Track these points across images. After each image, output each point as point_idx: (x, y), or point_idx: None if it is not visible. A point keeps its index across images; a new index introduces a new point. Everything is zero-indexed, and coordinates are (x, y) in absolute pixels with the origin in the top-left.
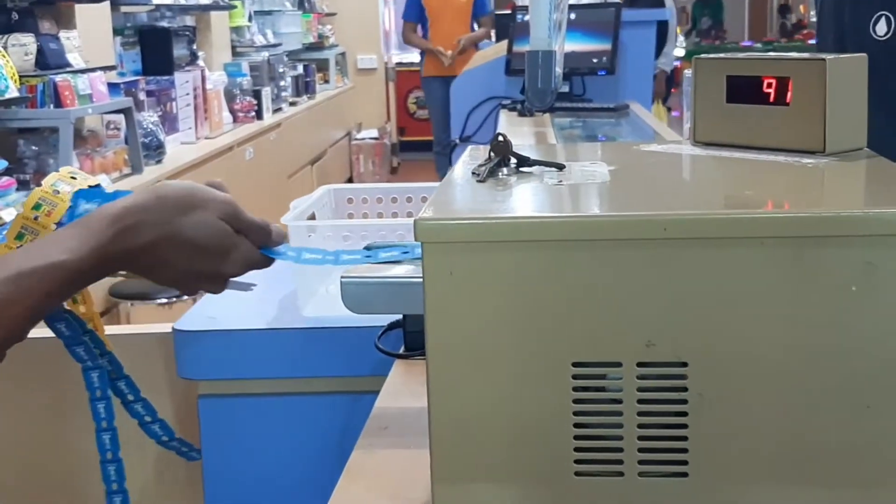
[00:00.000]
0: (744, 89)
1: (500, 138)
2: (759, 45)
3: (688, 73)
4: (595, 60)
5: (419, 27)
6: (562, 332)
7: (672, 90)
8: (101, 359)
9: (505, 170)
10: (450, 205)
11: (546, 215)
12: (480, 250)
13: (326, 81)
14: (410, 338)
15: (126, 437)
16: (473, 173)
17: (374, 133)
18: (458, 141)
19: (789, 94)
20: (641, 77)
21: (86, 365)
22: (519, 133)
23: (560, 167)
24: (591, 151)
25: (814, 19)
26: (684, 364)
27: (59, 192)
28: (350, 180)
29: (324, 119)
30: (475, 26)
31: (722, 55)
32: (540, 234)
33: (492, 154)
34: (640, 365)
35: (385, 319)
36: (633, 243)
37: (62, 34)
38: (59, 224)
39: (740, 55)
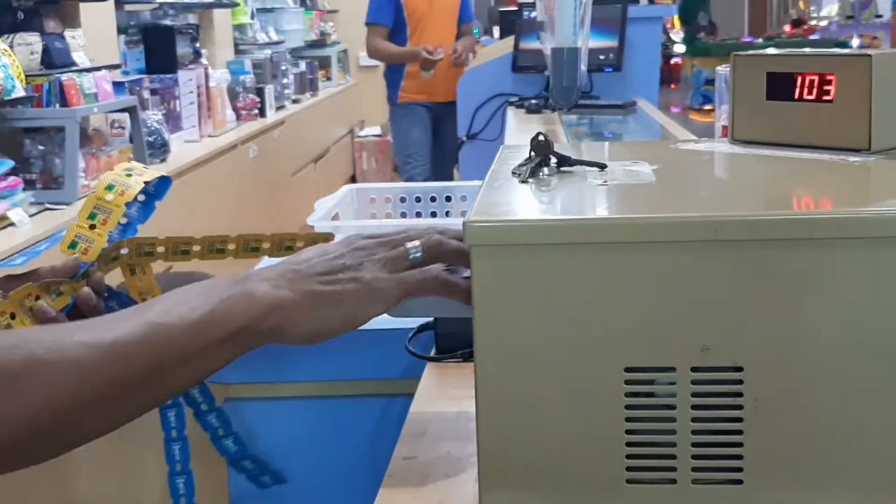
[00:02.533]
0: (785, 86)
1: (541, 138)
2: (759, 40)
3: (720, 69)
4: (602, 57)
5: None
6: (614, 337)
7: (672, 86)
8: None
9: (546, 169)
10: (497, 206)
11: (599, 217)
12: (532, 253)
13: (329, 79)
14: (442, 340)
15: (148, 438)
16: (514, 173)
17: (377, 130)
18: (465, 138)
19: (832, 91)
20: (648, 73)
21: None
22: (527, 130)
23: (602, 167)
24: (628, 150)
25: (815, 14)
26: (740, 369)
27: (130, 175)
28: (353, 178)
29: (327, 116)
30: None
31: (761, 52)
32: (593, 236)
33: (532, 153)
34: (694, 370)
35: (416, 321)
36: (686, 245)
37: (67, 33)
38: (131, 203)
39: (782, 51)
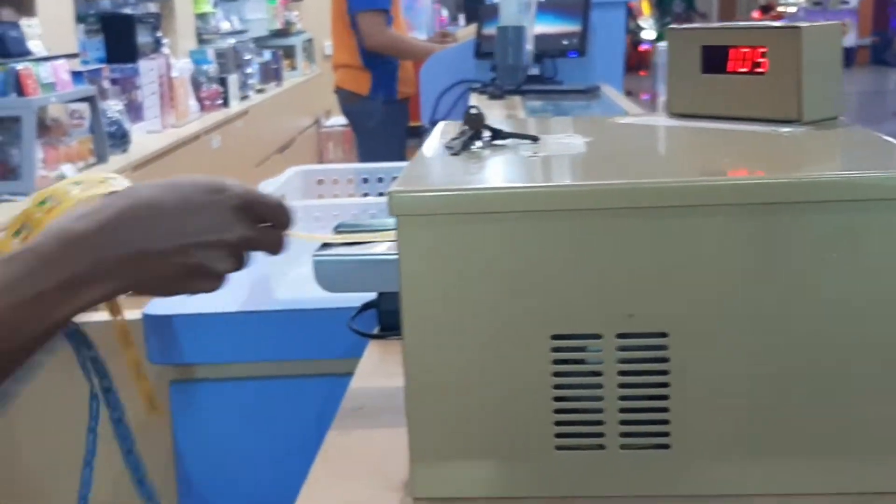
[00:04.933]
0: (719, 59)
1: (474, 111)
2: None
3: (662, 45)
4: (565, 42)
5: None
6: (540, 305)
7: (641, 72)
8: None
9: (479, 143)
10: (424, 178)
11: (523, 185)
12: (456, 222)
13: (294, 68)
14: (385, 317)
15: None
16: (447, 147)
17: (343, 120)
18: (428, 125)
19: (765, 64)
20: (613, 58)
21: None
22: (490, 116)
23: (535, 139)
24: (566, 124)
25: (784, 1)
26: (664, 334)
27: (69, 194)
28: None
29: (292, 106)
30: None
31: (696, 25)
32: (517, 204)
33: (465, 127)
34: (619, 336)
35: (359, 300)
36: (611, 212)
37: (23, 22)
38: None
39: (716, 25)
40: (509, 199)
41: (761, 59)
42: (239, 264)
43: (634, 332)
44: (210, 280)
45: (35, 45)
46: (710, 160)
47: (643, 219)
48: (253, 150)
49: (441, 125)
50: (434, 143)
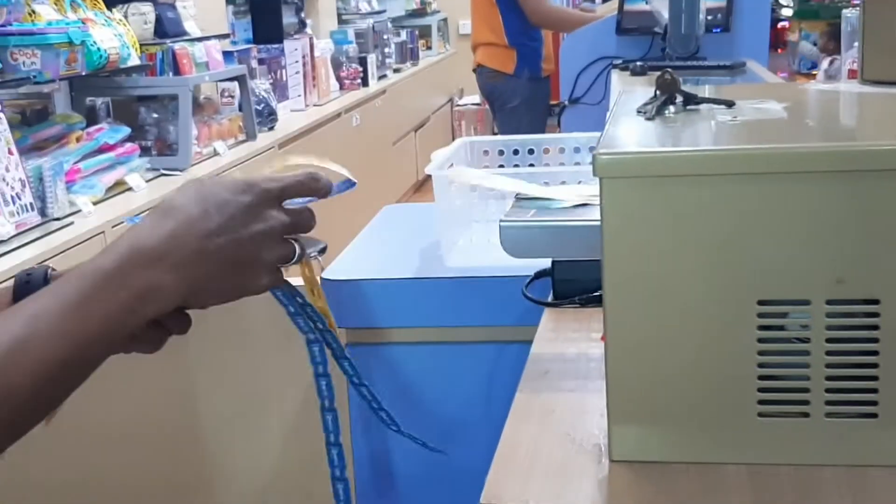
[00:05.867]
0: None
1: (667, 76)
2: None
3: (846, 13)
4: (710, 17)
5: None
6: (747, 270)
7: (779, 50)
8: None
9: (672, 108)
10: (625, 140)
11: (732, 148)
12: (662, 184)
13: (429, 48)
14: (560, 286)
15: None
16: (639, 111)
17: (476, 99)
18: (567, 102)
19: None
20: (757, 35)
21: (307, 337)
22: (633, 93)
23: (730, 104)
24: (755, 91)
25: None
26: (876, 301)
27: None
28: None
29: (427, 85)
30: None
31: None
32: (727, 167)
33: (657, 92)
34: (829, 303)
35: (529, 269)
36: (821, 175)
37: (178, 3)
38: None
39: None
40: (718, 162)
41: None
42: (289, 253)
43: (845, 299)
44: (262, 273)
45: (190, 26)
46: None
47: (853, 182)
48: (390, 128)
49: (620, 93)
50: (622, 111)
